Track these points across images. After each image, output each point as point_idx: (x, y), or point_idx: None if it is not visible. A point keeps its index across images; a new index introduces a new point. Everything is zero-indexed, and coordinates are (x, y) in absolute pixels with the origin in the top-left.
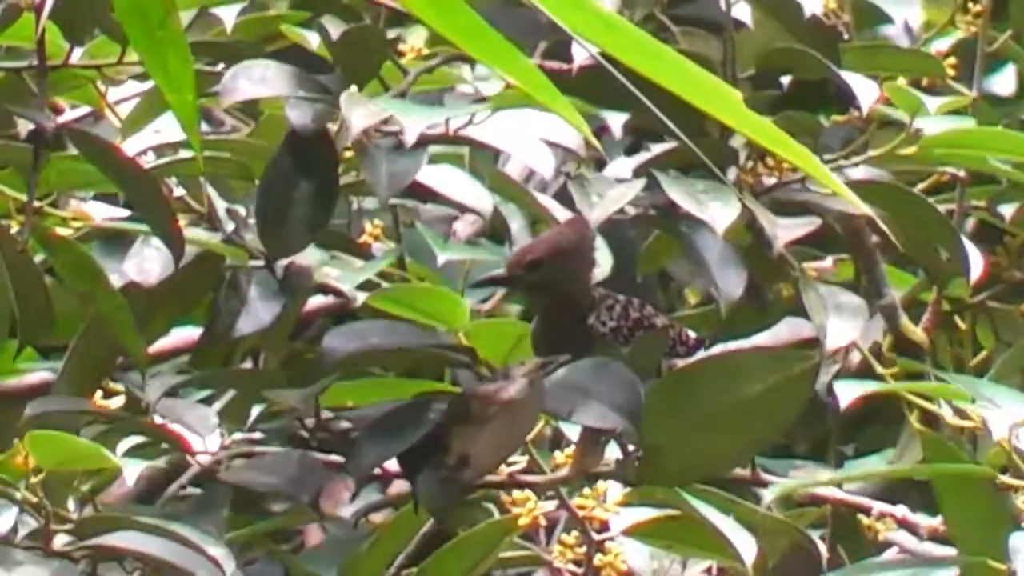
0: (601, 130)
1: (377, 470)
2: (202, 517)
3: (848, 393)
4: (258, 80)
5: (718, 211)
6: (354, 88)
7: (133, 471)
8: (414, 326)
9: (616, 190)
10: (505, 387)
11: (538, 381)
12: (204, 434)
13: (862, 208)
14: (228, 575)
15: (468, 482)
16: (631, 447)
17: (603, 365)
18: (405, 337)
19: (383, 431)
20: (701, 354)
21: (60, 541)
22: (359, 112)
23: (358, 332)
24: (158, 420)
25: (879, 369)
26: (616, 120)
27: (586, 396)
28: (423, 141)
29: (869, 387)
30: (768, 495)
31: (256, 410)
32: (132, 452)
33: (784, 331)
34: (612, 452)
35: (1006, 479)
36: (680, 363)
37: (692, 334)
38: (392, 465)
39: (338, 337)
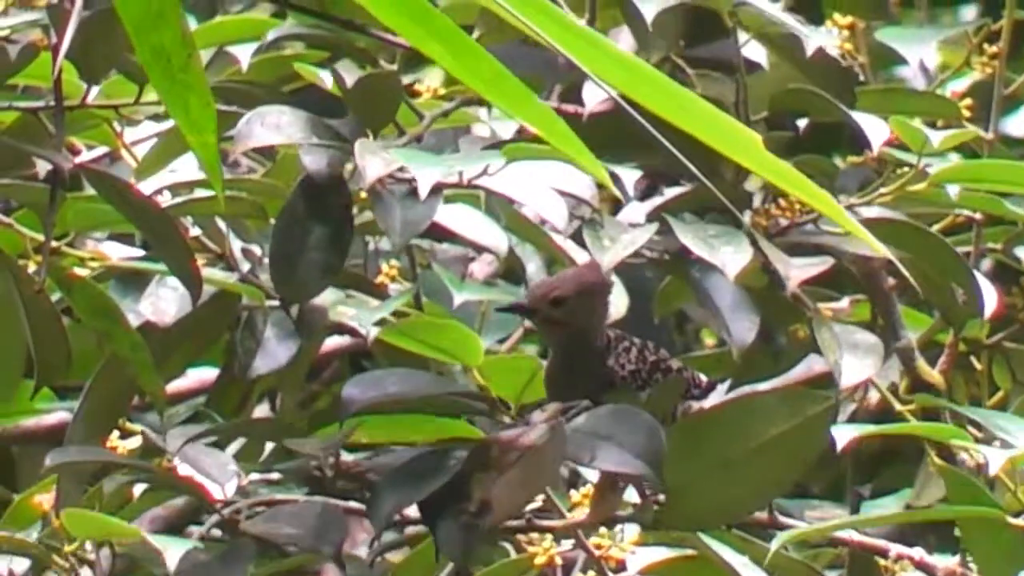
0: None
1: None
2: (227, 571)
3: (844, 435)
4: (272, 127)
5: (729, 256)
6: (368, 135)
7: (175, 554)
8: (431, 374)
9: (629, 235)
10: (526, 433)
11: (559, 427)
12: (223, 481)
13: (880, 250)
14: None
15: (489, 528)
16: (648, 491)
17: (623, 411)
18: (423, 385)
19: (403, 479)
20: (715, 396)
21: None
22: (373, 161)
23: (376, 381)
24: (175, 461)
25: (897, 406)
26: (628, 176)
27: (607, 442)
28: (437, 188)
29: (867, 429)
30: (776, 542)
31: (270, 445)
32: (149, 493)
33: (797, 368)
34: (629, 494)
35: (1018, 521)
36: (695, 405)
37: (703, 377)
38: (410, 510)
39: (356, 386)
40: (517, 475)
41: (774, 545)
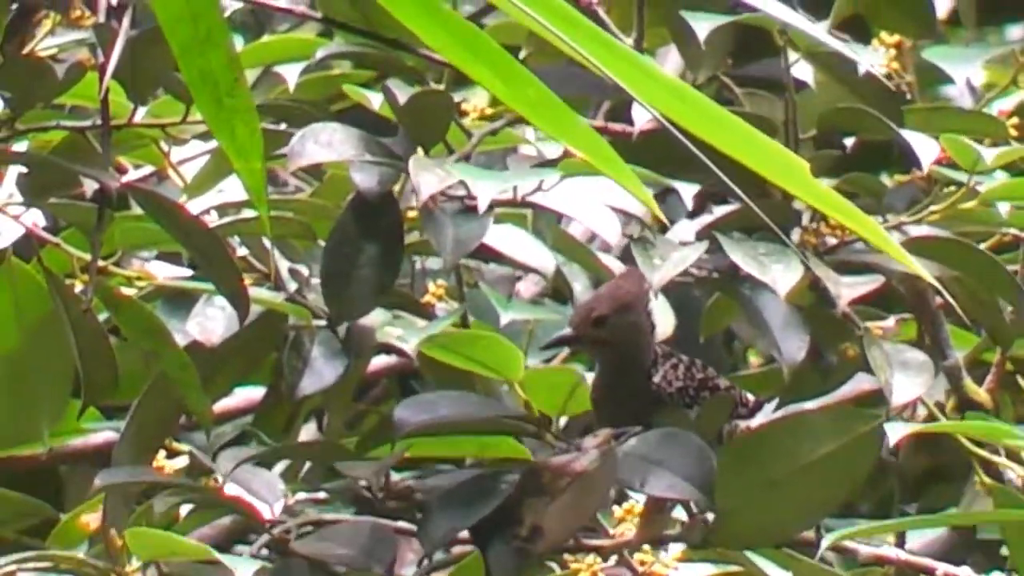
0: (666, 192)
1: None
2: None
3: (897, 432)
4: (325, 144)
5: (780, 274)
6: (420, 152)
7: (246, 572)
8: (480, 396)
9: (679, 253)
10: (578, 459)
11: (610, 453)
12: (271, 501)
13: (921, 272)
14: None
15: (540, 553)
16: (696, 510)
17: (674, 435)
18: (474, 408)
19: (455, 502)
20: (762, 415)
21: None
22: (428, 177)
23: (427, 404)
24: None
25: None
26: (687, 190)
27: (658, 466)
28: (489, 206)
29: (918, 426)
30: (824, 543)
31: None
32: (196, 513)
33: (845, 387)
34: (676, 511)
35: None
36: (742, 424)
37: (751, 396)
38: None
39: (408, 409)
40: (568, 501)
41: (823, 544)
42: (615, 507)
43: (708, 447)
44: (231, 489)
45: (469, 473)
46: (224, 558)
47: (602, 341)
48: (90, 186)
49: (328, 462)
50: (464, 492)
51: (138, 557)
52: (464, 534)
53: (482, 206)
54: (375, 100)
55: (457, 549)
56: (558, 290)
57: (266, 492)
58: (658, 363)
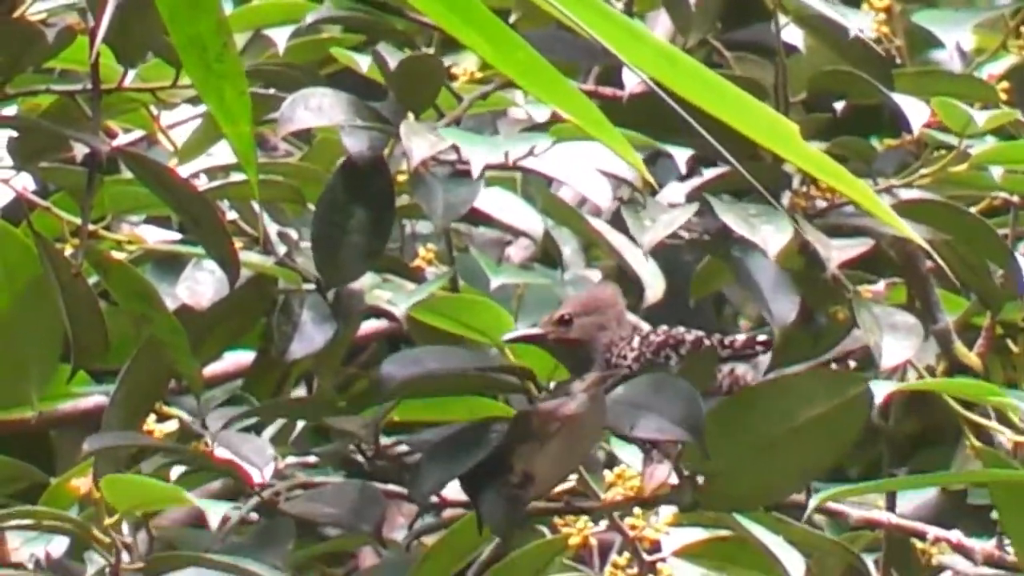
0: (657, 155)
1: (435, 498)
2: (267, 550)
3: (882, 390)
4: (315, 109)
5: (770, 235)
6: (411, 116)
7: (216, 513)
8: (468, 350)
9: (668, 215)
10: (566, 403)
11: (599, 396)
12: (261, 465)
13: (916, 239)
14: None
15: (531, 499)
16: (687, 472)
17: (662, 380)
18: (461, 361)
19: (444, 454)
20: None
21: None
22: (419, 142)
23: (414, 358)
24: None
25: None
26: (680, 154)
27: (647, 411)
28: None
29: (902, 384)
30: (812, 503)
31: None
32: (186, 476)
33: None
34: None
35: None
36: (740, 367)
37: (739, 336)
38: (449, 492)
39: (394, 364)
40: (558, 445)
41: (811, 504)
42: (606, 472)
43: (695, 391)
44: (221, 452)
45: (458, 426)
46: (198, 501)
47: (566, 340)
48: (80, 150)
49: (317, 420)
50: (453, 443)
51: (116, 507)
52: (455, 496)
53: (475, 172)
54: (364, 64)
55: (448, 512)
56: (548, 254)
57: (256, 457)
58: (612, 349)
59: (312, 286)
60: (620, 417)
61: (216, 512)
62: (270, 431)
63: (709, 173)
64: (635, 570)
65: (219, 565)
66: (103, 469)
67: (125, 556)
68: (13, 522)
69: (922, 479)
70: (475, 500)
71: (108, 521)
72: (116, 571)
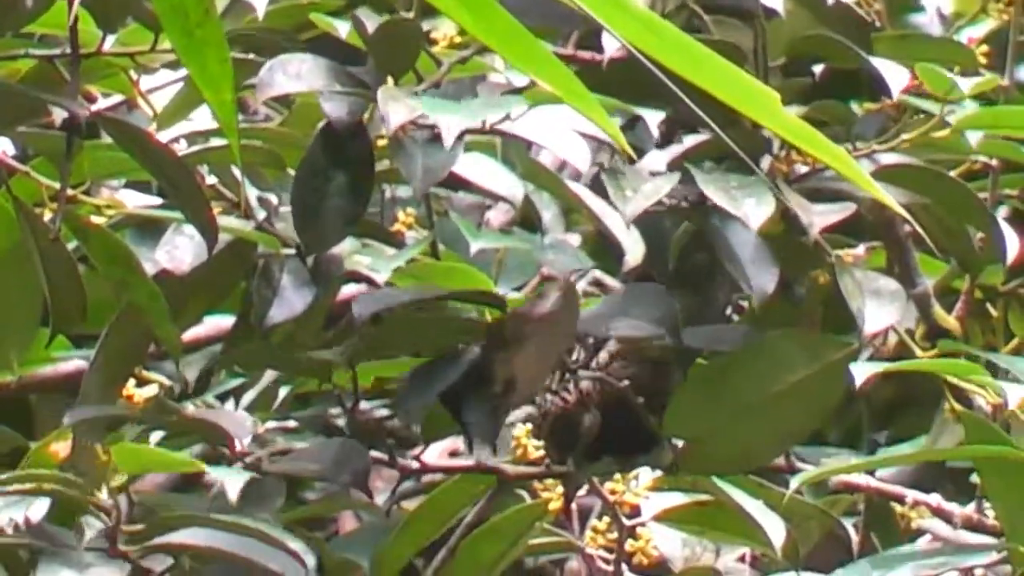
0: (636, 119)
1: (415, 463)
2: (257, 509)
3: (863, 372)
4: (294, 75)
5: (752, 208)
6: (389, 83)
7: (234, 485)
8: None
9: (650, 185)
10: (540, 304)
11: (571, 292)
12: (241, 436)
13: (894, 206)
14: (310, 568)
15: (514, 406)
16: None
17: (637, 289)
18: (432, 290)
19: (425, 376)
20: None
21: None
22: (397, 108)
23: (385, 294)
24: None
25: (917, 352)
26: (652, 117)
27: (622, 314)
28: (459, 135)
29: (884, 366)
30: (794, 482)
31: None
32: (165, 442)
33: None
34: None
35: None
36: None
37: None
38: (430, 457)
39: (365, 300)
40: (535, 346)
41: (793, 484)
42: None
43: (669, 293)
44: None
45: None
46: (211, 469)
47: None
48: (59, 115)
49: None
50: (435, 366)
51: (122, 471)
52: (436, 461)
53: (448, 141)
54: (344, 29)
55: (427, 478)
56: (528, 218)
57: (236, 429)
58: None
59: (292, 251)
60: (596, 322)
61: (235, 482)
62: (248, 397)
63: (690, 140)
64: (615, 534)
65: (220, 524)
66: (82, 434)
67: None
68: (14, 487)
69: (907, 456)
70: (458, 414)
71: (115, 483)
72: (115, 532)
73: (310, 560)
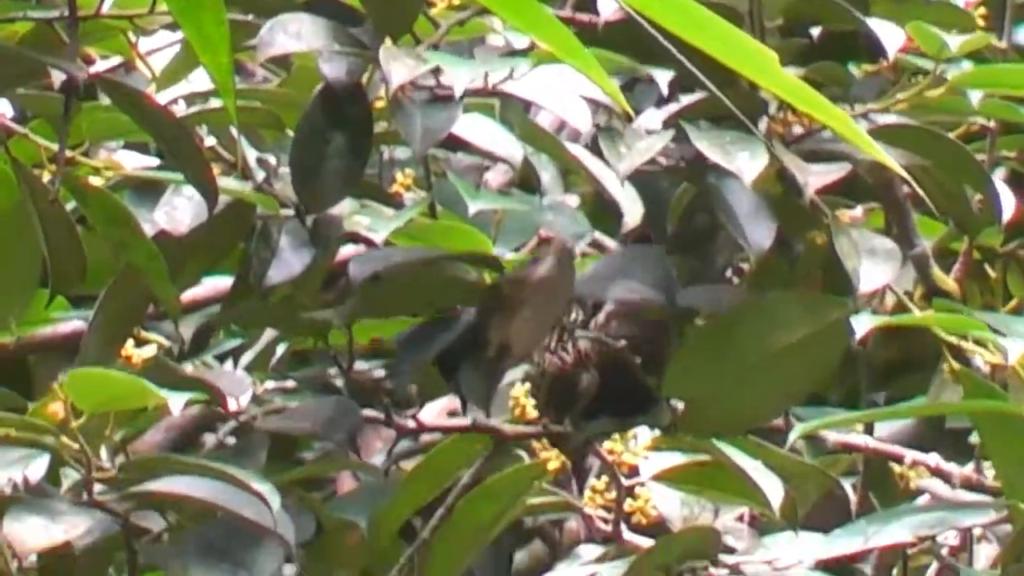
0: (634, 81)
1: (412, 423)
2: (241, 461)
3: (862, 325)
4: (293, 35)
5: (746, 162)
6: (389, 42)
7: (178, 402)
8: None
9: (644, 142)
10: (535, 268)
11: (567, 258)
12: (239, 395)
13: (893, 166)
14: (275, 509)
15: (508, 368)
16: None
17: (634, 251)
18: (427, 252)
19: (421, 338)
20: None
21: (98, 489)
22: (398, 67)
23: (382, 254)
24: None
25: (915, 311)
26: (662, 77)
27: (618, 277)
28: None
29: (884, 319)
30: (792, 435)
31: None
32: None
33: None
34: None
35: None
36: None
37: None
38: (427, 416)
39: (363, 260)
40: (530, 310)
41: (791, 436)
42: None
43: (667, 258)
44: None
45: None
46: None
47: None
48: (58, 77)
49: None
50: (430, 328)
51: (82, 408)
52: (434, 421)
53: (458, 92)
54: None
55: (426, 437)
56: (526, 180)
57: (233, 389)
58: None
59: (291, 212)
60: (592, 285)
61: (177, 400)
62: (248, 357)
63: (686, 99)
64: (613, 494)
65: (194, 468)
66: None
67: (106, 463)
68: None
69: (905, 410)
70: (453, 377)
71: (75, 424)
72: (89, 481)
73: (275, 502)
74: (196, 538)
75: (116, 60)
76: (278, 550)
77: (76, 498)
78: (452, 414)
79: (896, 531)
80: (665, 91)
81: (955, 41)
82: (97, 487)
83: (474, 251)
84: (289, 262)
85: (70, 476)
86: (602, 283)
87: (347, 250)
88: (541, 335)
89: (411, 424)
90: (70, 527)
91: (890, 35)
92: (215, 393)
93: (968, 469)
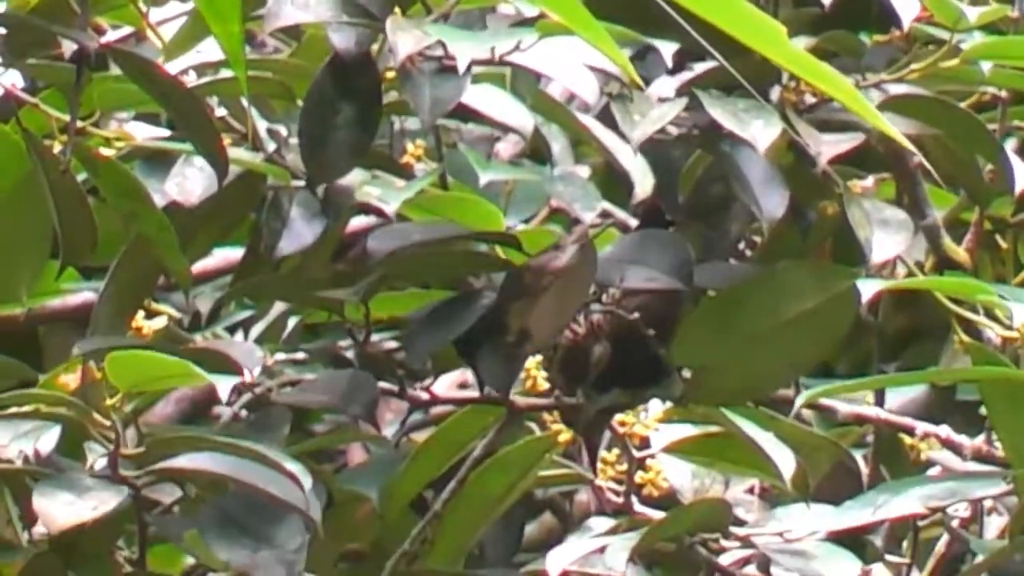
0: (645, 50)
1: (425, 395)
2: (263, 436)
3: (869, 289)
4: (302, 5)
5: (759, 130)
6: (398, 12)
7: (225, 385)
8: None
9: (657, 110)
10: (557, 256)
11: (588, 247)
12: (251, 366)
13: (900, 139)
14: (307, 490)
15: (528, 355)
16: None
17: (651, 235)
18: (447, 230)
19: (438, 319)
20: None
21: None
22: (405, 38)
23: (400, 231)
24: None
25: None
26: (667, 48)
27: (636, 263)
28: (468, 66)
29: (890, 282)
30: (799, 400)
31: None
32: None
33: None
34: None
35: None
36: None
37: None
38: (439, 388)
39: (380, 237)
40: (551, 299)
41: (798, 401)
42: None
43: (685, 241)
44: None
45: (450, 296)
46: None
47: None
48: (68, 47)
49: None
50: (448, 308)
51: (119, 386)
52: (446, 393)
53: (461, 67)
54: None
55: (437, 409)
56: (537, 150)
57: (245, 360)
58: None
59: (301, 183)
60: (610, 271)
61: (225, 384)
62: (259, 328)
63: (699, 68)
64: (624, 466)
65: (220, 446)
66: (91, 365)
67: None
68: (12, 409)
69: (912, 376)
70: (472, 361)
71: (109, 401)
72: (115, 456)
73: (307, 482)
74: (213, 510)
75: (127, 30)
76: (300, 525)
77: (97, 472)
78: (463, 386)
79: (907, 503)
80: (669, 63)
81: (973, 12)
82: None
83: (492, 230)
84: (300, 233)
85: (94, 450)
86: (619, 268)
87: (357, 221)
88: (562, 322)
89: (424, 396)
90: (99, 503)
91: (905, 5)
92: (228, 363)
93: (979, 440)
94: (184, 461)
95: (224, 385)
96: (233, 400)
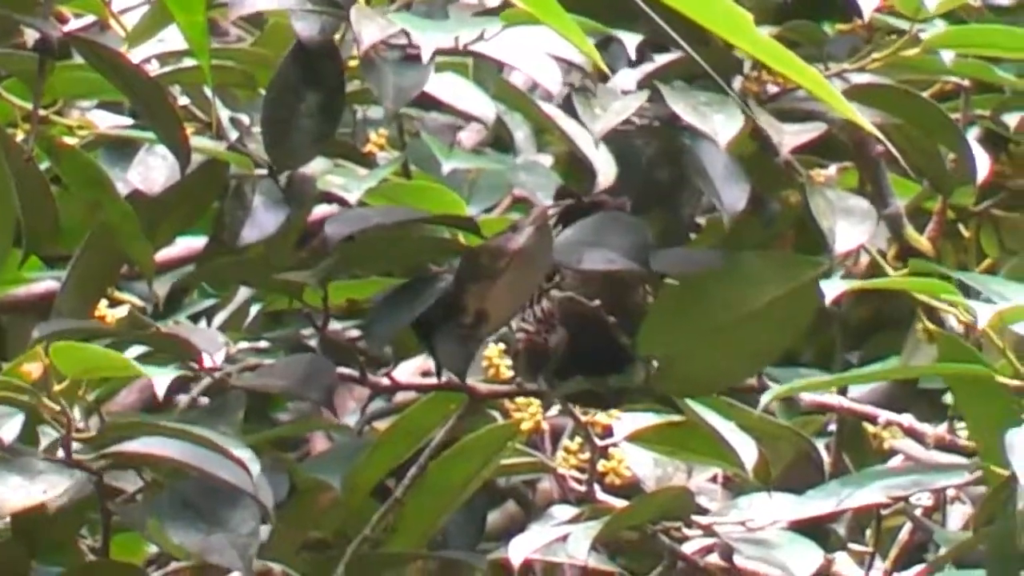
0: (608, 40)
1: (386, 381)
2: (218, 421)
3: (833, 289)
4: None
5: (721, 124)
6: (362, 1)
7: (162, 381)
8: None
9: (619, 103)
10: (514, 237)
11: (546, 228)
12: (212, 352)
13: (866, 126)
14: (255, 476)
15: (485, 337)
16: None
17: (610, 217)
18: (404, 213)
19: (396, 302)
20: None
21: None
22: (369, 26)
23: (359, 215)
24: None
25: (889, 272)
26: (631, 40)
27: (594, 245)
28: (432, 55)
29: (854, 283)
30: (764, 398)
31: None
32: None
33: None
34: None
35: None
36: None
37: None
38: (401, 374)
39: (339, 221)
40: (509, 280)
41: (763, 399)
42: None
43: (643, 223)
44: None
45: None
46: (142, 368)
47: None
48: (31, 36)
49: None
50: (407, 291)
51: (65, 373)
52: (407, 379)
53: (425, 57)
54: None
55: (400, 397)
56: (500, 139)
57: (206, 345)
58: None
59: (264, 171)
60: (568, 252)
61: (162, 380)
62: (220, 318)
63: (661, 59)
64: (587, 455)
65: (170, 432)
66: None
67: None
68: None
69: (878, 372)
70: (429, 343)
71: (57, 388)
72: (68, 441)
73: (255, 467)
74: (171, 496)
75: (90, 19)
76: (255, 509)
77: (53, 456)
78: (426, 374)
79: (869, 492)
80: (633, 55)
81: (933, 1)
82: (74, 446)
83: (450, 214)
84: (263, 221)
85: (47, 435)
86: (578, 250)
87: (320, 209)
88: (519, 304)
89: (385, 382)
90: (49, 486)
91: None
92: (189, 349)
93: (942, 429)
94: (137, 445)
95: (161, 381)
96: (192, 387)
